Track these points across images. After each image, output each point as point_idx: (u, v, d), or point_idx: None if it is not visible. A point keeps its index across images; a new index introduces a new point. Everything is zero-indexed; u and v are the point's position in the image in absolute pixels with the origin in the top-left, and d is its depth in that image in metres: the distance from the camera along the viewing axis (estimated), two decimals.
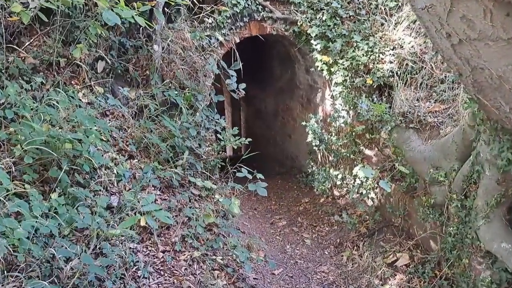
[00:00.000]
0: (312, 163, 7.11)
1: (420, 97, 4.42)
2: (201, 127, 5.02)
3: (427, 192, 4.09)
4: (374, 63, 5.12)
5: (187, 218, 4.34)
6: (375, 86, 5.16)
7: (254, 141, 11.43)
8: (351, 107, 5.39)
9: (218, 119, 5.28)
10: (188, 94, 5.30)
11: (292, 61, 7.94)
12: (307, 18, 5.81)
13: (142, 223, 3.79)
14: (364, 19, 5.51)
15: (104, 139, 4.52)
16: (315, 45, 5.70)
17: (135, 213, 3.85)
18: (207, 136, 5.20)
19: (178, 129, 4.93)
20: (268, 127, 10.03)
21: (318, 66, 5.97)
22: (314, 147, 5.76)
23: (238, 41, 6.16)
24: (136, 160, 4.74)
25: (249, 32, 6.20)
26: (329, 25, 5.68)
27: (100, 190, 4.01)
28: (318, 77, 6.86)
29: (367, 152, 5.47)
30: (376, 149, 5.28)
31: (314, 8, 5.87)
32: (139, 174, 4.55)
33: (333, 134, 5.67)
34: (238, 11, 5.87)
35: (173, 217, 4.36)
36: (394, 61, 4.97)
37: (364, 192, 4.65)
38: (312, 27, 5.74)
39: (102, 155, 4.35)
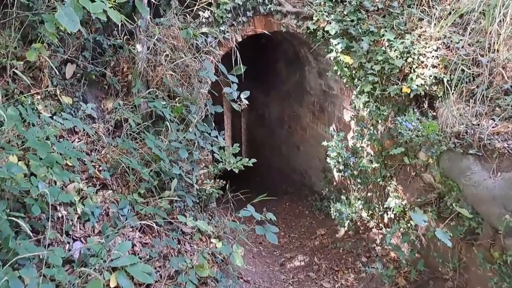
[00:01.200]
0: (327, 185, 6.15)
1: (479, 112, 3.46)
2: (194, 147, 4.04)
3: (496, 242, 3.13)
4: (412, 67, 4.15)
5: (174, 271, 3.38)
6: (411, 96, 4.19)
7: (256, 150, 10.54)
8: (381, 121, 4.42)
9: (216, 136, 4.31)
10: (179, 105, 4.34)
11: (302, 62, 6.98)
12: (325, 12, 4.84)
13: (113, 284, 2.85)
14: (397, 13, 4.55)
15: (70, 164, 3.58)
16: (335, 44, 4.73)
17: (103, 270, 2.90)
18: (201, 157, 4.23)
19: (165, 150, 3.97)
20: (272, 136, 9.07)
21: (337, 70, 5.00)
22: (336, 172, 4.73)
23: (240, 39, 5.20)
24: (111, 191, 3.78)
25: (253, 28, 5.24)
26: (352, 20, 4.71)
27: (55, 239, 3.06)
28: (334, 82, 5.89)
29: (401, 177, 4.50)
30: (413, 174, 4.32)
31: (333, 0, 4.90)
32: (113, 211, 3.59)
33: (360, 156, 4.69)
34: (241, 3, 4.91)
35: (156, 269, 3.40)
36: (439, 64, 4.01)
37: (404, 234, 3.69)
38: (331, 23, 4.77)
39: (63, 188, 3.40)
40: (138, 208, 3.66)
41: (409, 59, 4.16)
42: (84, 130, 4.08)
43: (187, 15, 4.73)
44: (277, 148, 8.89)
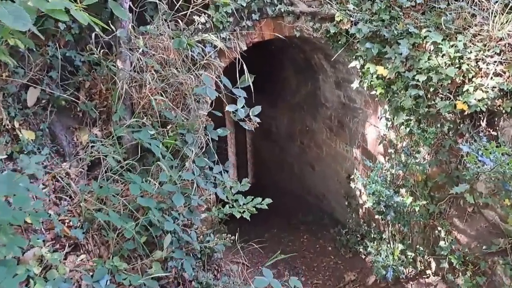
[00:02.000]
0: (352, 215, 5.27)
1: None
2: (193, 190, 3.17)
3: None
4: (467, 77, 3.28)
5: None
6: (466, 113, 3.32)
7: (263, 168, 9.66)
8: (427, 145, 3.53)
9: (219, 172, 3.45)
10: (172, 134, 3.47)
11: (315, 71, 6.13)
12: (348, 11, 3.97)
13: None
14: (441, 8, 3.68)
15: (28, 221, 2.75)
16: (364, 50, 3.87)
17: None
18: (202, 202, 3.36)
19: (156, 196, 3.12)
20: (282, 152, 8.20)
21: (364, 82, 4.15)
22: (376, 214, 3.81)
23: (245, 47, 4.35)
24: (84, 255, 2.92)
25: (260, 34, 4.39)
26: (383, 20, 3.85)
27: None
28: (356, 93, 5.03)
29: (452, 213, 3.61)
30: (469, 210, 3.43)
31: None
32: (87, 284, 2.73)
33: (396, 187, 3.80)
34: (244, 4, 4.07)
35: None
36: (504, 72, 3.14)
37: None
38: (357, 23, 3.90)
39: (18, 262, 2.56)
40: (120, 279, 2.80)
41: (464, 67, 3.29)
42: (52, 169, 3.23)
43: (179, 21, 3.88)
44: (288, 166, 8.01)
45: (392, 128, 4.26)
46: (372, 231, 4.70)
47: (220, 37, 4.11)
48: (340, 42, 4.11)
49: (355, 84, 4.30)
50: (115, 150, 3.30)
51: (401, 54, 3.56)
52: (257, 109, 3.51)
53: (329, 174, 6.42)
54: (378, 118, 4.65)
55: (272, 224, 6.33)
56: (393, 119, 4.08)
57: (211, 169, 3.55)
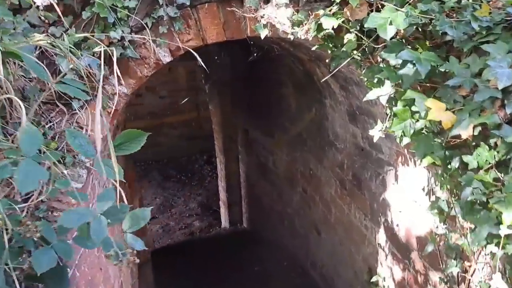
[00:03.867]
0: None
1: None
2: None
3: None
4: None
5: None
6: None
7: (261, 214, 7.56)
8: None
9: None
10: None
11: (319, 91, 4.14)
12: None
13: None
14: None
15: None
16: (397, 65, 1.81)
17: None
18: None
19: None
20: (281, 200, 6.16)
21: (394, 127, 2.05)
22: None
23: (168, 60, 2.38)
24: None
25: (197, 34, 2.40)
26: (435, 11, 1.78)
27: None
28: (385, 140, 2.91)
29: None
30: None
31: None
32: None
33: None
34: None
35: None
36: None
37: None
38: (382, 8, 1.85)
39: None
40: None
41: None
42: None
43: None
44: (289, 221, 5.95)
45: (453, 222, 2.17)
46: None
47: (110, 38, 2.16)
48: (345, 48, 2.05)
49: (375, 132, 2.21)
50: None
51: (496, 75, 1.47)
52: None
53: (340, 252, 4.32)
54: (422, 190, 2.57)
55: None
56: (453, 202, 2.02)
57: None
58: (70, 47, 1.78)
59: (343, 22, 1.96)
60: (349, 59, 2.09)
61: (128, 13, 2.18)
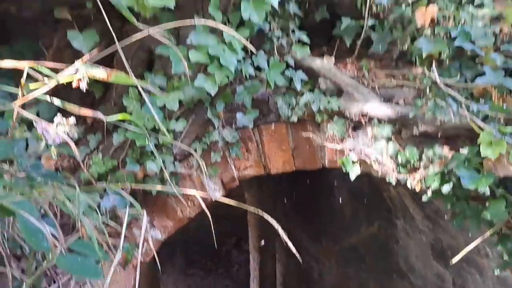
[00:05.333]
0: None
1: None
2: None
3: None
4: None
5: None
6: None
7: None
8: None
9: None
10: None
11: (388, 209, 3.45)
12: None
13: None
14: None
15: None
16: None
17: None
18: None
19: None
20: None
21: None
22: None
23: (219, 196, 1.82)
24: None
25: (257, 162, 1.86)
26: None
27: None
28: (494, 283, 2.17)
29: None
30: None
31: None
32: None
33: None
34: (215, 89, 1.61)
35: None
36: None
37: None
38: None
39: None
40: None
41: None
42: None
43: None
44: None
45: None
46: None
47: (145, 170, 1.65)
48: (490, 217, 1.42)
49: None
50: None
51: None
52: None
53: None
54: None
55: None
56: None
57: None
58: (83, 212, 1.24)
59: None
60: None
61: (173, 139, 1.69)
